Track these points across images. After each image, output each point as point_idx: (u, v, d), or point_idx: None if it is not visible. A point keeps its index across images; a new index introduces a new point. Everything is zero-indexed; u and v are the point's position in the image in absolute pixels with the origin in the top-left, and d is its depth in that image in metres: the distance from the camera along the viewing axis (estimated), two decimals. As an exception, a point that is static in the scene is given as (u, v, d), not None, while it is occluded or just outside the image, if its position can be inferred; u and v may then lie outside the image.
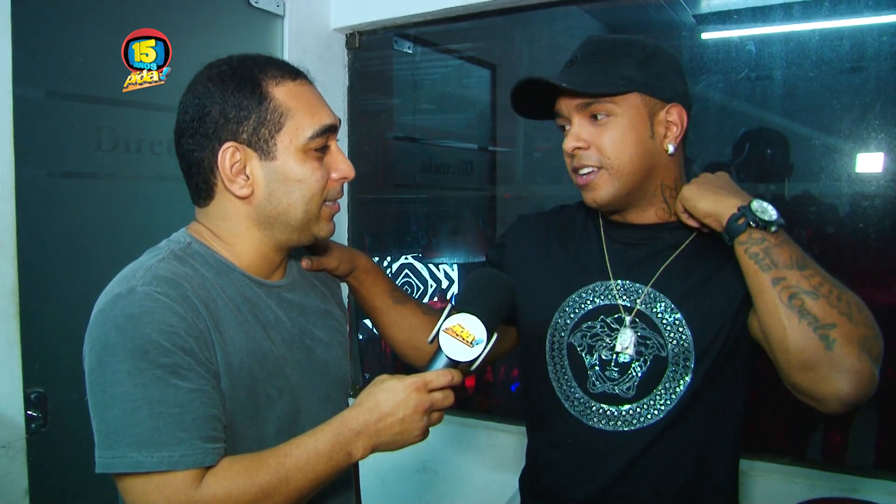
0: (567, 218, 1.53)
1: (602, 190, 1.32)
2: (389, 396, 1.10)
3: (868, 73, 2.28)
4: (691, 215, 1.29)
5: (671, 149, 1.32)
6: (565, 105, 1.33)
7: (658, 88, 1.31)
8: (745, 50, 2.46)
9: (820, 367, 1.10)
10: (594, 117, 1.31)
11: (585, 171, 1.33)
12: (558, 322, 1.41)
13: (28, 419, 1.77)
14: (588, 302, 1.39)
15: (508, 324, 1.55)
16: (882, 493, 1.93)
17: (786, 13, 2.32)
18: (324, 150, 1.20)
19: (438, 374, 1.13)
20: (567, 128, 1.36)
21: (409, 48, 3.04)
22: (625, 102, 1.29)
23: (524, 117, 1.46)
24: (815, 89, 2.39)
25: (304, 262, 1.38)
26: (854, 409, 1.13)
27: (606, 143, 1.30)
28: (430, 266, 3.67)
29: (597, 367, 1.36)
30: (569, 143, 1.32)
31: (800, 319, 1.11)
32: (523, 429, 1.54)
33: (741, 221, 1.17)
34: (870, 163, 2.22)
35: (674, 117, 1.32)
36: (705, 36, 2.64)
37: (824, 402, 1.13)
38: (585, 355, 1.38)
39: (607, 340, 1.36)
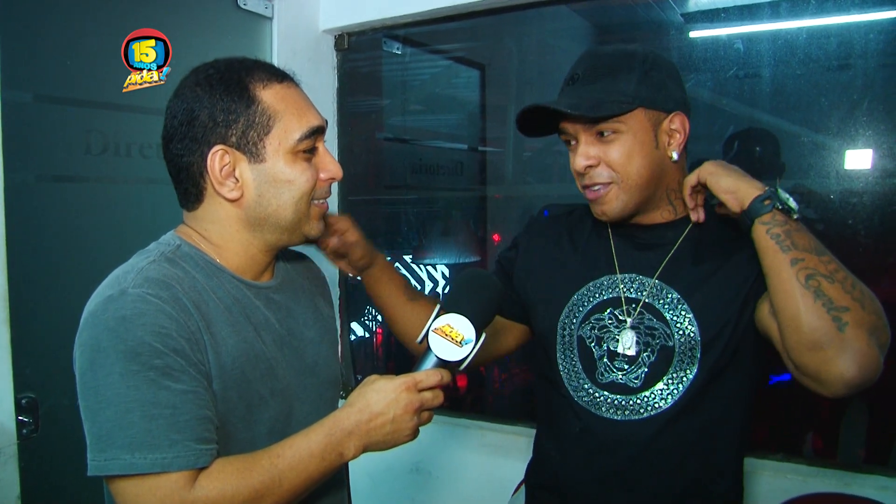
0: (577, 218, 1.57)
1: (612, 203, 1.36)
2: (380, 396, 1.11)
3: (855, 70, 2.30)
4: (700, 192, 1.34)
5: (675, 156, 1.36)
6: (571, 126, 1.36)
7: (660, 100, 1.34)
8: (734, 48, 2.47)
9: (830, 346, 1.13)
10: (600, 134, 1.34)
11: (596, 187, 1.36)
12: (568, 316, 1.45)
13: (19, 424, 1.75)
14: (596, 295, 1.43)
15: (515, 320, 1.58)
16: (873, 488, 1.94)
17: (773, 11, 2.34)
18: (312, 151, 1.21)
19: (428, 374, 1.14)
20: (573, 143, 1.39)
21: (398, 49, 3.04)
22: (630, 119, 1.32)
23: (529, 136, 1.48)
24: (803, 87, 2.41)
25: (333, 241, 1.44)
26: (854, 393, 1.16)
27: (615, 158, 1.33)
28: (414, 266, 3.67)
29: (605, 359, 1.40)
30: (579, 162, 1.35)
31: (815, 299, 1.15)
32: (515, 428, 1.55)
33: (767, 202, 1.22)
34: (858, 159, 2.23)
35: (676, 125, 1.35)
36: (693, 34, 2.65)
37: (829, 384, 1.15)
38: (594, 347, 1.41)
39: (615, 332, 1.39)
